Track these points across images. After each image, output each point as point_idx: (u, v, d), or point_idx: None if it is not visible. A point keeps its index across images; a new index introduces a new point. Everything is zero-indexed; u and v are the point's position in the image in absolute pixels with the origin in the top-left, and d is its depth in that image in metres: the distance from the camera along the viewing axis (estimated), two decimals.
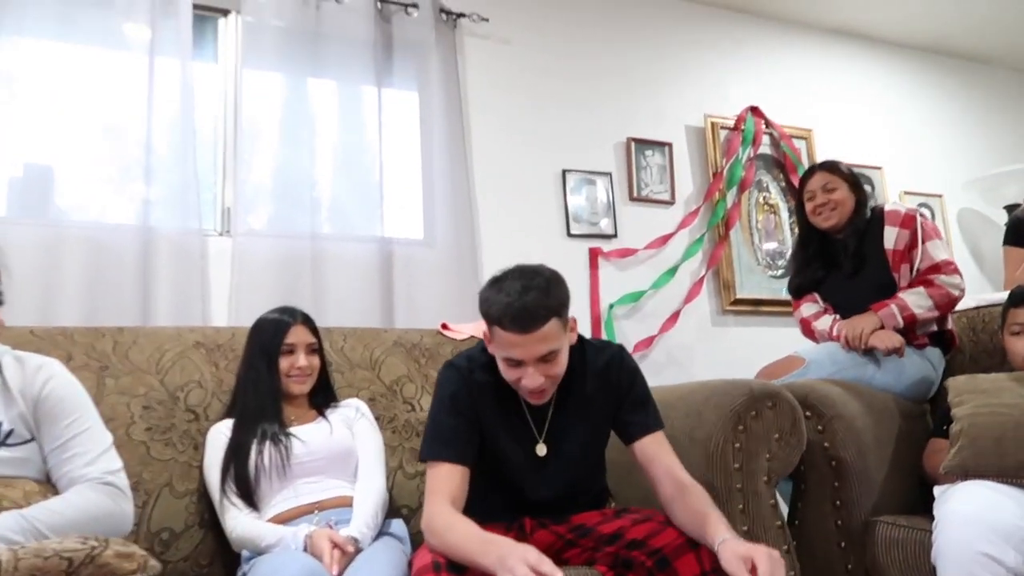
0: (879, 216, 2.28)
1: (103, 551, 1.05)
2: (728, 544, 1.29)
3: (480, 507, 1.47)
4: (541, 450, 1.56)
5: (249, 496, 1.60)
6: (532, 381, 1.42)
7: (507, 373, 1.45)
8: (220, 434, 1.69)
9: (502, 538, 1.31)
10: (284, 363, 1.74)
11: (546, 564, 1.20)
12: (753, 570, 1.23)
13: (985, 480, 1.64)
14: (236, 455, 1.63)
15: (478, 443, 1.53)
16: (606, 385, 1.58)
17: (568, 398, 1.58)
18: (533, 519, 1.58)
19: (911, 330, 2.19)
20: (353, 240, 2.60)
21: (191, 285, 2.33)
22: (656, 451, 1.53)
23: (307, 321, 1.80)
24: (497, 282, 1.43)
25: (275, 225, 2.50)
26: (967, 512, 1.56)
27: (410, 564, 1.37)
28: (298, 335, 1.76)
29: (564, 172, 3.00)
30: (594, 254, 2.96)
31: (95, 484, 1.23)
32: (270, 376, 1.72)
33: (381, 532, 1.59)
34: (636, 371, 1.62)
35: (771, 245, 3.35)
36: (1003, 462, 1.64)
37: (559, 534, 1.57)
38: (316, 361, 1.79)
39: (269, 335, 1.76)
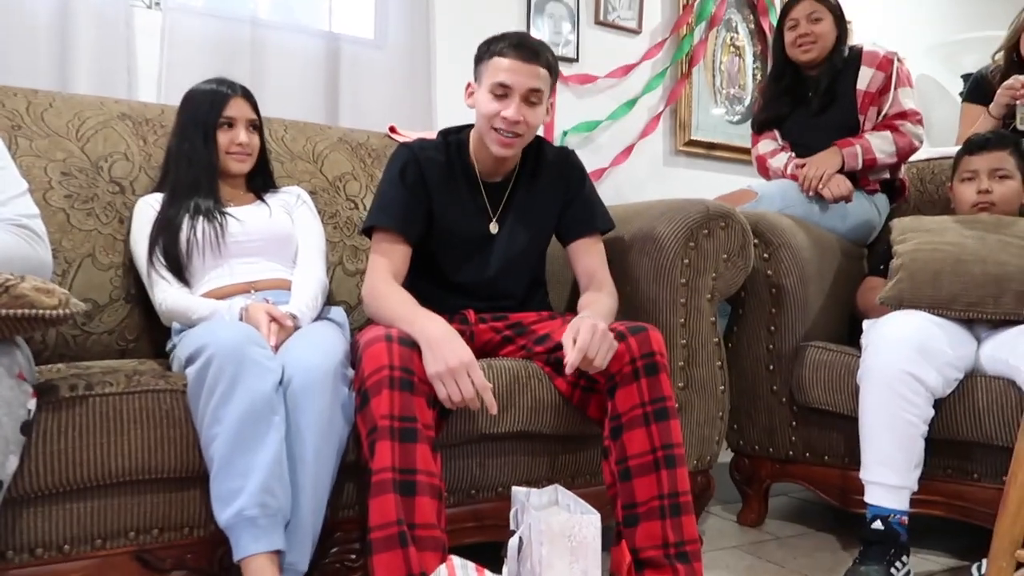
0: (856, 56, 2.22)
1: (18, 283, 0.97)
2: (573, 320, 1.39)
3: (427, 296, 1.45)
4: (494, 228, 1.59)
5: (179, 271, 1.52)
6: (514, 112, 1.46)
7: (488, 106, 1.48)
8: (148, 206, 1.58)
9: (430, 317, 1.34)
10: (223, 138, 1.61)
11: (478, 374, 1.27)
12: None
13: (917, 310, 1.69)
14: (166, 229, 1.53)
15: (424, 223, 1.54)
16: (559, 178, 1.64)
17: (524, 182, 1.62)
18: (476, 312, 1.57)
19: (865, 174, 2.19)
20: (297, 31, 2.40)
21: (115, 59, 2.11)
22: (587, 250, 1.63)
23: (247, 95, 1.65)
24: (499, 33, 1.52)
25: (211, 3, 2.27)
26: (897, 335, 1.61)
27: (354, 345, 1.34)
28: (239, 108, 1.62)
29: None
30: None
31: (7, 225, 1.12)
32: (206, 150, 1.59)
33: (320, 317, 1.54)
34: (585, 171, 1.70)
35: (732, 89, 3.27)
36: (937, 294, 1.69)
37: (497, 329, 1.58)
38: (256, 140, 1.66)
39: (205, 107, 1.61)
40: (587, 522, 1.22)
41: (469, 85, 1.56)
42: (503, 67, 1.46)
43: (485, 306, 1.59)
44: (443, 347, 1.26)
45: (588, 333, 1.32)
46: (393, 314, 1.36)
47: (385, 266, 1.46)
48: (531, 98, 1.48)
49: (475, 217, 1.58)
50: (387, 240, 1.49)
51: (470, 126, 1.62)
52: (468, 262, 1.58)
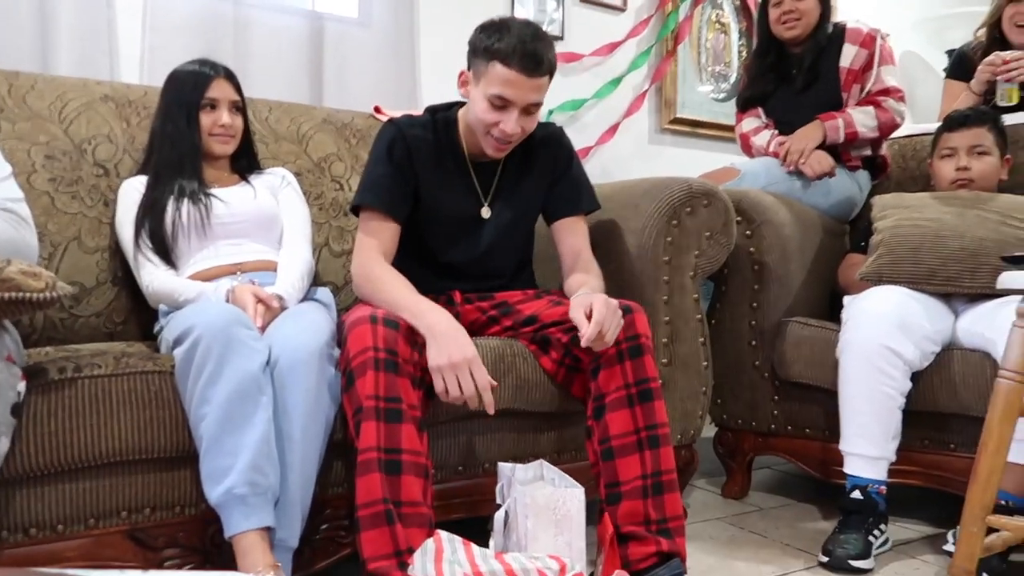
0: (840, 33, 2.23)
1: (5, 267, 0.98)
2: (579, 298, 1.39)
3: (414, 278, 1.47)
4: (486, 212, 1.58)
5: (166, 253, 1.52)
6: (512, 126, 1.43)
7: (486, 115, 1.44)
8: (133, 189, 1.58)
9: (435, 309, 1.34)
10: (206, 120, 1.60)
11: (480, 371, 1.29)
12: (591, 316, 1.33)
13: (897, 285, 1.72)
14: (151, 211, 1.53)
15: (410, 202, 1.54)
16: (546, 157, 1.61)
17: (514, 163, 1.60)
18: (463, 292, 1.58)
19: (847, 149, 2.21)
20: (280, 10, 2.39)
21: (97, 40, 2.09)
22: (572, 230, 1.62)
23: (230, 76, 1.65)
24: (499, 24, 1.43)
25: None
26: (877, 310, 1.64)
27: (340, 325, 1.35)
28: (221, 89, 1.61)
29: None
30: None
31: None
32: (190, 131, 1.59)
33: (307, 298, 1.55)
34: (574, 150, 1.69)
35: (717, 67, 3.27)
36: (916, 269, 1.72)
37: (483, 309, 1.60)
38: (240, 122, 1.66)
39: (188, 87, 1.60)
40: (571, 496, 1.25)
41: (462, 74, 1.50)
42: (505, 79, 1.40)
43: (472, 286, 1.60)
44: (448, 341, 1.28)
45: (603, 307, 1.33)
46: (393, 300, 1.36)
47: (375, 246, 1.46)
48: (530, 109, 1.45)
49: (464, 198, 1.57)
50: (375, 219, 1.48)
51: (458, 103, 1.60)
52: (456, 243, 1.58)
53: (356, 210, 1.53)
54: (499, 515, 1.28)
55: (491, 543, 1.28)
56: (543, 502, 1.23)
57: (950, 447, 1.71)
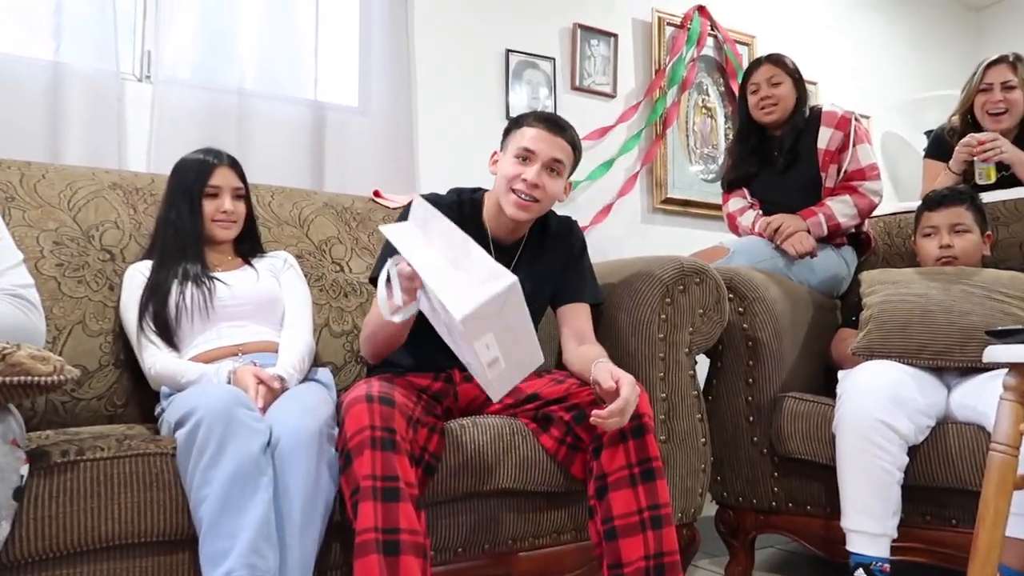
0: (816, 116, 2.33)
1: (15, 352, 1.00)
2: (603, 363, 1.43)
3: (413, 355, 1.48)
4: None
5: (168, 336, 1.55)
6: (534, 176, 1.53)
7: (512, 169, 1.55)
8: (138, 273, 1.62)
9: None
10: (209, 207, 1.66)
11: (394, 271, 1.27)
12: (616, 391, 1.35)
13: (888, 360, 1.75)
14: (155, 294, 1.57)
15: None
16: (561, 245, 1.67)
17: (530, 249, 1.66)
18: (461, 371, 1.59)
19: (831, 235, 2.28)
20: (283, 100, 2.49)
21: (106, 130, 2.18)
22: (577, 314, 1.68)
23: (233, 164, 1.71)
24: (529, 111, 1.63)
25: (200, 75, 2.35)
26: (869, 384, 1.66)
27: (339, 405, 1.37)
28: (224, 177, 1.67)
29: (507, 52, 2.91)
30: None
31: (3, 296, 1.15)
32: (192, 218, 1.64)
33: (307, 378, 1.57)
34: (585, 242, 1.77)
35: (705, 149, 3.39)
36: (906, 344, 1.75)
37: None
38: (242, 208, 1.72)
39: (192, 175, 1.66)
40: (422, 219, 1.26)
41: (495, 153, 1.63)
42: (530, 135, 1.55)
43: None
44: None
45: (631, 389, 1.36)
46: (371, 331, 1.48)
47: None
48: (553, 167, 1.56)
49: None
50: None
51: (482, 189, 1.69)
52: None
53: (375, 279, 1.54)
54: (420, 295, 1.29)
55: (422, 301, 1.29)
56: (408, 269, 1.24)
57: (951, 522, 1.70)
